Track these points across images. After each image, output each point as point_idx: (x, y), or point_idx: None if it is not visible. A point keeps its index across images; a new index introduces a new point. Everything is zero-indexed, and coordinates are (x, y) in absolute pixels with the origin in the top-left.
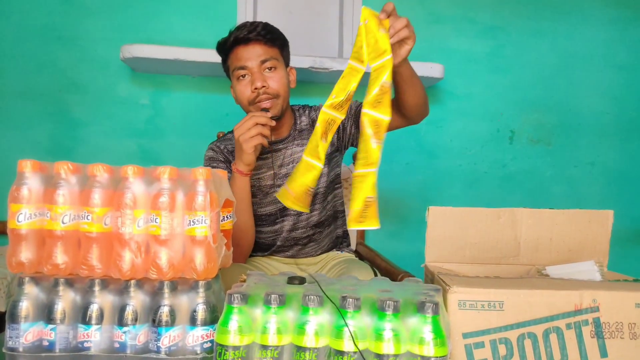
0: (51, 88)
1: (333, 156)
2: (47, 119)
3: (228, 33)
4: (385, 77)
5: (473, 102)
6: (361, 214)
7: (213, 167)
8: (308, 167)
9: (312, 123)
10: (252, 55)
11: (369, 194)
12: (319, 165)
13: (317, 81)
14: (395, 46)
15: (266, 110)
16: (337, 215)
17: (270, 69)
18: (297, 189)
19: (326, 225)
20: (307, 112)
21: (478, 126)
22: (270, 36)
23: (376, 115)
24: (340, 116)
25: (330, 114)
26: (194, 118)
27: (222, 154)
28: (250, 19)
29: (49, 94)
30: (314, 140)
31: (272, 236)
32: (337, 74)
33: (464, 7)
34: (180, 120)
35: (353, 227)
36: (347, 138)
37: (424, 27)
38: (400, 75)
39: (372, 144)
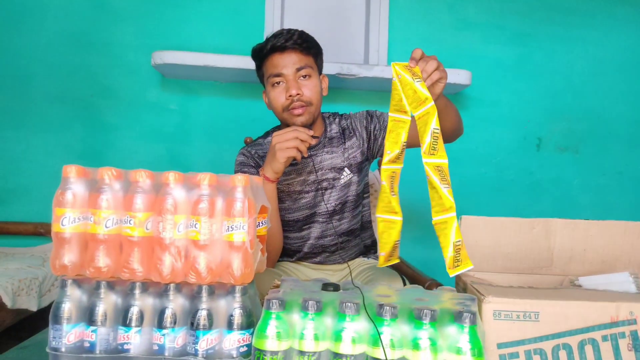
0: (83, 93)
1: (363, 165)
2: (79, 123)
3: (264, 40)
4: (434, 124)
5: (500, 109)
6: (455, 259)
7: (244, 171)
8: (389, 224)
9: (342, 131)
10: (287, 62)
11: (457, 238)
12: (398, 219)
13: (345, 87)
14: (430, 87)
15: (300, 119)
16: (365, 225)
17: (304, 77)
18: (388, 248)
19: (355, 235)
20: (337, 119)
21: (505, 133)
22: (306, 45)
23: (436, 161)
24: (399, 166)
25: (391, 169)
26: (221, 123)
27: (253, 158)
28: (278, 26)
29: (81, 99)
30: (384, 199)
31: (298, 242)
32: (364, 80)
33: (493, 14)
34: (208, 126)
35: (452, 274)
36: (376, 148)
37: (452, 34)
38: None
39: (443, 190)
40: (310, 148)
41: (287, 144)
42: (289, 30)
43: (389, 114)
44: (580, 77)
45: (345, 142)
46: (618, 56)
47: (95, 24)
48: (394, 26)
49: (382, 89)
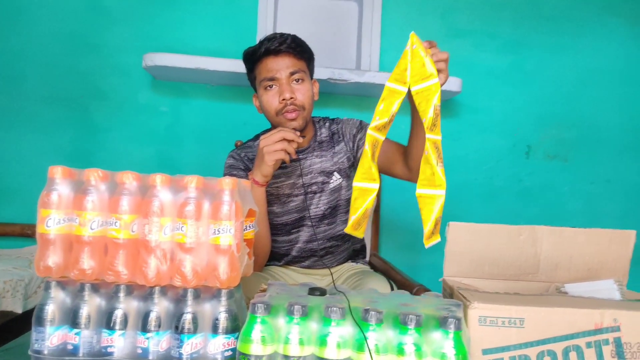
0: (74, 94)
1: (350, 171)
2: (70, 124)
3: (257, 43)
4: (436, 100)
5: (490, 117)
6: (431, 232)
7: (233, 174)
8: (364, 192)
9: (332, 136)
10: (281, 66)
11: (439, 214)
12: (375, 186)
13: (336, 92)
14: None
15: (293, 124)
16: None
17: (298, 80)
18: (359, 215)
19: (345, 239)
20: (327, 124)
21: (495, 140)
22: (299, 49)
23: (434, 137)
24: (382, 137)
25: (374, 136)
26: (212, 126)
27: (242, 161)
28: (271, 30)
29: (72, 100)
30: (365, 164)
31: (287, 246)
32: (355, 85)
33: (484, 22)
34: (198, 128)
35: (427, 245)
36: (356, 148)
37: (443, 41)
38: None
39: (436, 168)
40: (300, 151)
41: (274, 147)
42: (282, 34)
43: (387, 82)
44: (570, 85)
45: (334, 147)
46: (608, 65)
47: (86, 26)
48: (386, 33)
49: (373, 94)
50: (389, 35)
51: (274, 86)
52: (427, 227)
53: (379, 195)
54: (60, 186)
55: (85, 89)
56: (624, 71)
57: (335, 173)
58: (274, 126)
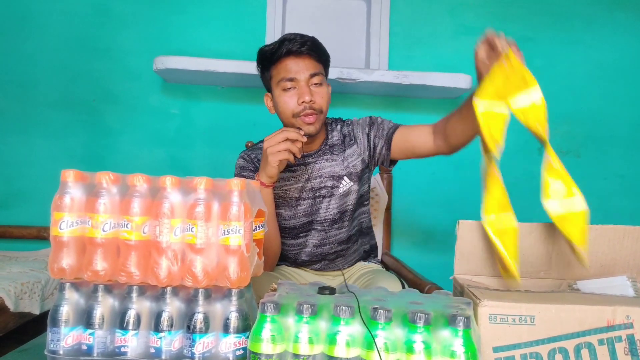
0: (85, 98)
1: (363, 173)
2: (81, 127)
3: (276, 43)
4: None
5: None
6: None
7: (243, 176)
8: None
9: (343, 139)
10: (302, 68)
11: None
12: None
13: (345, 92)
14: None
15: (299, 128)
16: (365, 231)
17: (316, 84)
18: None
19: (353, 241)
20: (338, 126)
21: (507, 137)
22: (319, 52)
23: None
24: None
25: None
26: (222, 128)
27: (252, 163)
28: (279, 32)
29: (83, 104)
30: (495, 191)
31: (295, 249)
32: (364, 84)
33: (493, 19)
34: (208, 130)
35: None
36: (377, 157)
37: (452, 38)
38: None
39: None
40: (309, 155)
41: (277, 147)
42: (302, 35)
43: (479, 102)
44: (581, 80)
45: (345, 150)
46: (619, 60)
47: (97, 30)
48: (394, 31)
49: (382, 93)
50: (398, 33)
51: (292, 88)
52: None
53: (389, 194)
54: (72, 189)
55: (96, 93)
56: (635, 66)
57: (345, 177)
58: (289, 126)
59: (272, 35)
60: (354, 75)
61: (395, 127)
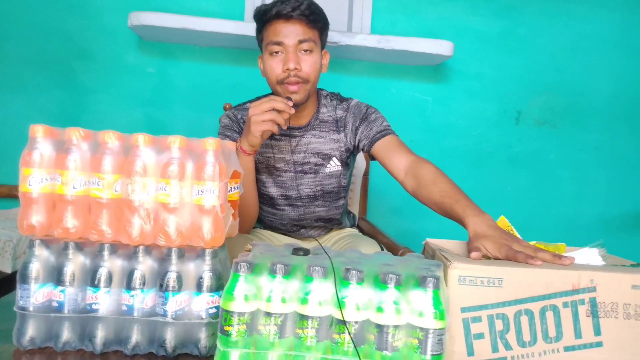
0: (59, 55)
1: (349, 160)
2: (55, 85)
3: (270, 2)
4: None
5: (481, 82)
6: None
7: (227, 135)
8: None
9: (336, 121)
10: (290, 33)
11: None
12: None
13: None
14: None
15: (289, 98)
16: (343, 213)
17: (306, 51)
18: None
19: (334, 223)
20: (334, 103)
21: (485, 106)
22: (313, 17)
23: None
24: None
25: None
26: (200, 89)
27: (238, 124)
28: None
29: (57, 61)
30: None
31: (270, 217)
32: (346, 48)
33: None
34: (186, 91)
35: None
36: (357, 152)
37: (436, 4)
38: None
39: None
40: (297, 128)
41: (262, 117)
42: None
43: None
44: (562, 51)
45: (336, 133)
46: (602, 32)
47: None
48: None
49: (364, 58)
50: None
51: (279, 52)
52: None
53: (367, 160)
54: (41, 145)
55: (69, 50)
56: (616, 38)
57: (334, 159)
58: (274, 93)
59: None
60: (336, 39)
61: (383, 134)
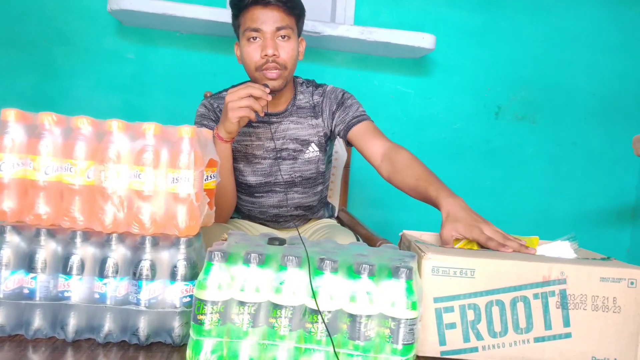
0: (36, 38)
1: (327, 145)
2: (31, 69)
3: None
4: None
5: (462, 76)
6: None
7: (203, 124)
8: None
9: (313, 107)
10: (268, 19)
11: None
12: None
13: (309, 45)
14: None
15: (266, 85)
16: (324, 202)
17: (283, 37)
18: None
19: (313, 211)
20: (310, 89)
21: (465, 100)
22: (290, 4)
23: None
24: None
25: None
26: (180, 76)
27: (214, 112)
28: None
29: (34, 44)
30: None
31: (249, 206)
32: (329, 39)
33: None
34: (166, 77)
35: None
36: (334, 137)
37: None
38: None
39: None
40: (275, 114)
41: (239, 103)
42: None
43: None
44: (542, 47)
45: (314, 118)
46: (581, 28)
47: None
48: None
49: (347, 49)
50: None
51: (257, 39)
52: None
53: (349, 151)
54: (13, 129)
55: (47, 33)
56: (596, 35)
57: (312, 144)
58: (252, 80)
59: None
60: (319, 29)
61: (359, 120)
